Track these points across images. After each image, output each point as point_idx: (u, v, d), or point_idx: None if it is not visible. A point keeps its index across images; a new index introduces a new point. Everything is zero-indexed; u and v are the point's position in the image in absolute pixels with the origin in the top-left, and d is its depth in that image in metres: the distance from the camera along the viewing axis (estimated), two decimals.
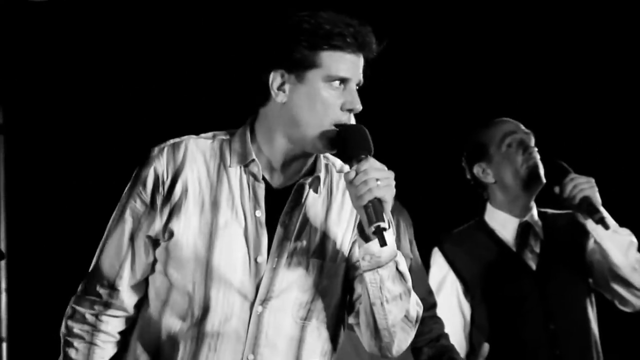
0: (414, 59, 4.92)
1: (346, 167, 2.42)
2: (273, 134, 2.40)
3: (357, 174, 2.29)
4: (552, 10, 4.85)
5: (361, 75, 2.40)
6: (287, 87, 2.37)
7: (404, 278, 2.41)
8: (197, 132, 2.50)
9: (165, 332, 2.41)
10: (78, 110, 4.73)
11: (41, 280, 4.66)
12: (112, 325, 2.48)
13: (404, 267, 2.41)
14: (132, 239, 2.43)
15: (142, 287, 2.48)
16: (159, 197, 2.39)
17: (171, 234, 2.38)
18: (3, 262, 4.62)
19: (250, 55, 2.42)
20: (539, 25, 4.86)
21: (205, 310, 2.37)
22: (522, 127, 3.66)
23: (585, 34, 4.84)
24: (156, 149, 2.44)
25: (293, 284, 2.41)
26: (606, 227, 3.41)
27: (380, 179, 2.28)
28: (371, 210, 2.27)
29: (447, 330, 3.35)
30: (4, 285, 4.65)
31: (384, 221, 2.27)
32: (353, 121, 2.39)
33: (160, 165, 2.40)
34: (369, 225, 2.28)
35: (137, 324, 2.48)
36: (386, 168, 2.31)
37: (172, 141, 2.45)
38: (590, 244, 3.58)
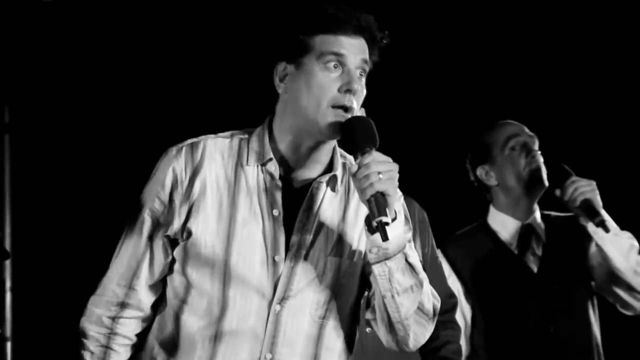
0: (418, 60, 4.91)
1: None
2: (284, 129, 2.40)
3: (359, 167, 2.28)
4: (558, 13, 4.84)
5: (362, 59, 2.36)
6: (288, 77, 2.38)
7: (415, 270, 2.39)
8: (203, 132, 2.50)
9: (183, 331, 2.41)
10: (84, 110, 4.73)
11: (46, 279, 4.66)
12: (129, 327, 2.48)
13: (414, 259, 2.39)
14: (150, 238, 2.44)
15: (159, 286, 2.48)
16: (178, 197, 2.39)
17: (189, 234, 2.38)
18: (8, 262, 4.62)
19: (257, 52, 2.44)
20: (545, 28, 4.86)
21: (224, 309, 2.36)
22: (526, 129, 3.66)
23: (588, 37, 4.83)
24: (174, 149, 2.44)
25: (311, 283, 2.40)
26: (606, 230, 3.41)
27: (382, 173, 2.26)
28: (373, 205, 2.25)
29: None
30: (9, 285, 4.66)
31: (386, 215, 2.24)
32: (355, 104, 2.35)
33: (178, 165, 2.41)
34: (372, 219, 2.26)
35: (154, 323, 2.48)
36: (391, 160, 2.29)
37: (190, 141, 2.45)
38: (592, 247, 3.57)
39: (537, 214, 3.68)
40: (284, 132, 2.40)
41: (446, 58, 4.89)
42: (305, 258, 2.39)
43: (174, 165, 2.41)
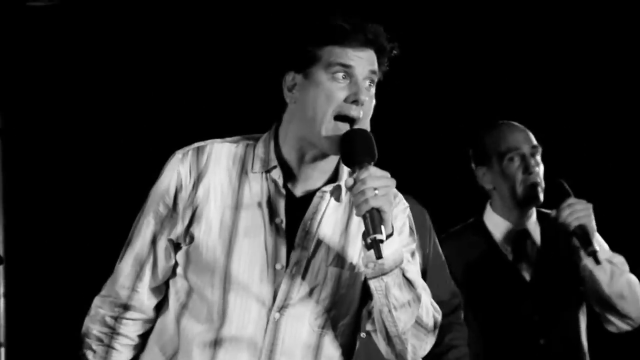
0: (416, 57, 4.90)
1: None
2: (290, 138, 2.40)
3: (355, 182, 2.27)
4: (567, 15, 4.83)
5: (371, 70, 2.37)
6: (296, 87, 2.38)
7: (413, 285, 2.39)
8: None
9: (183, 335, 2.41)
10: (76, 115, 4.72)
11: (39, 285, 4.65)
12: (131, 328, 2.49)
13: (412, 274, 2.39)
14: (154, 241, 2.44)
15: (162, 290, 2.48)
16: (182, 201, 2.40)
17: (192, 238, 2.39)
18: (1, 267, 4.61)
19: (267, 61, 2.47)
20: (546, 25, 4.84)
21: (223, 315, 2.37)
22: (530, 137, 3.59)
23: (592, 36, 4.82)
24: (180, 153, 2.45)
25: (311, 293, 2.40)
26: (597, 262, 3.37)
27: (378, 188, 2.25)
28: (368, 221, 2.24)
29: None
30: (2, 290, 4.65)
31: (380, 233, 2.23)
32: (362, 115, 2.34)
33: (184, 168, 2.41)
34: (366, 236, 2.26)
35: (156, 326, 2.49)
36: (388, 175, 2.29)
37: (196, 145, 2.46)
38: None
39: (534, 217, 3.64)
40: (290, 140, 2.40)
41: (444, 54, 4.87)
42: (306, 268, 2.39)
43: (179, 169, 2.42)
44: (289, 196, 2.40)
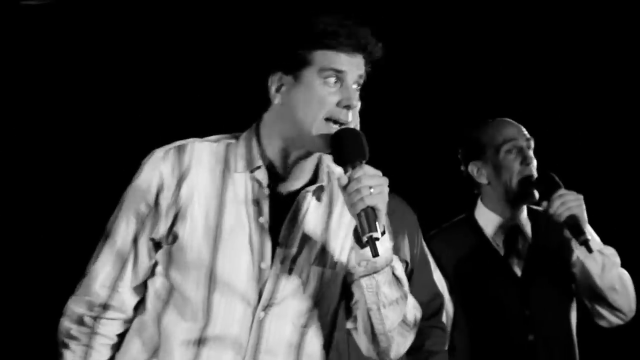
0: (407, 56, 4.89)
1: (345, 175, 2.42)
2: (275, 138, 2.42)
3: (350, 181, 2.30)
4: (557, 14, 4.82)
5: (359, 75, 2.41)
6: (284, 88, 2.40)
7: (401, 282, 2.44)
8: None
9: (164, 334, 2.41)
10: (68, 113, 4.70)
11: (13, 286, 4.63)
12: (111, 328, 2.48)
13: (400, 272, 2.44)
14: (135, 240, 2.44)
15: (142, 289, 2.47)
16: (164, 200, 2.40)
17: (175, 238, 2.39)
18: None
19: (250, 60, 2.49)
20: (536, 24, 4.85)
21: (208, 314, 2.38)
22: (524, 131, 3.61)
23: (582, 35, 4.83)
24: (161, 151, 2.44)
25: (295, 291, 2.42)
26: (589, 250, 3.35)
27: (373, 187, 2.28)
28: (364, 219, 2.26)
29: None
30: None
31: (376, 231, 2.26)
32: (352, 119, 2.38)
33: (166, 168, 2.41)
34: (362, 234, 2.28)
35: (134, 325, 2.47)
36: (381, 174, 2.32)
37: (177, 143, 2.46)
38: (575, 254, 3.52)
39: (524, 213, 3.64)
40: (274, 140, 2.42)
41: (434, 54, 4.87)
42: (291, 266, 2.41)
43: (161, 168, 2.41)
44: (273, 196, 2.42)
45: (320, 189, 2.46)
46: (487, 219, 3.61)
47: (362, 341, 2.49)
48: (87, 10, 4.66)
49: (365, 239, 2.26)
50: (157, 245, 2.43)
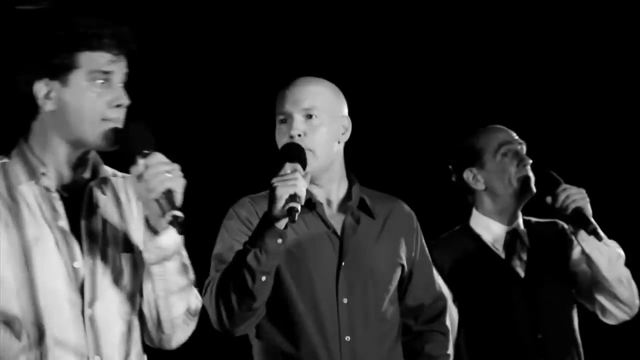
0: (405, 64, 4.90)
1: (116, 171, 2.58)
2: (53, 143, 2.47)
3: (146, 168, 2.37)
4: (546, 16, 4.83)
5: (125, 73, 2.49)
6: (53, 94, 2.44)
7: (188, 270, 2.53)
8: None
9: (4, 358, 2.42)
10: None
11: None
12: None
13: (187, 260, 2.53)
14: None
15: None
16: None
17: None
18: None
19: (11, 71, 2.48)
20: (527, 30, 4.85)
21: (40, 326, 2.40)
22: (516, 136, 3.65)
23: (570, 40, 4.83)
24: None
25: (113, 282, 2.48)
26: (599, 238, 3.38)
27: (169, 171, 2.37)
28: (165, 201, 2.35)
29: None
30: None
31: (178, 209, 2.34)
32: (123, 116, 2.47)
33: None
34: (163, 215, 2.36)
35: None
36: (171, 162, 2.40)
37: None
38: (575, 253, 3.58)
39: (521, 220, 3.67)
40: (52, 146, 2.47)
41: (432, 64, 4.88)
42: (102, 259, 2.48)
43: None
44: (64, 198, 2.48)
45: (104, 180, 2.54)
46: (484, 226, 3.64)
47: (147, 328, 2.54)
48: (82, 16, 4.64)
49: (169, 218, 2.34)
50: None
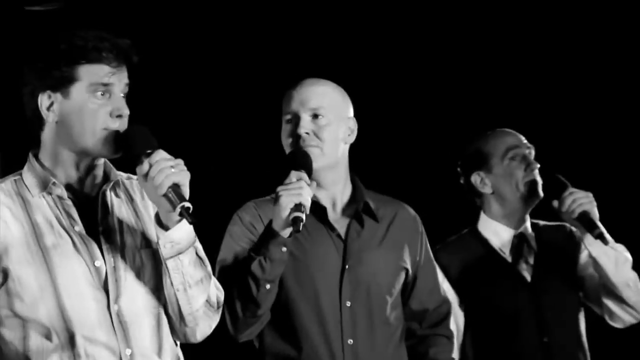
0: (412, 68, 4.90)
1: (130, 174, 2.63)
2: (60, 154, 2.53)
3: (151, 165, 2.43)
4: (552, 19, 4.83)
5: (125, 84, 2.55)
6: (56, 106, 2.50)
7: (204, 263, 2.58)
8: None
9: None
10: None
11: None
12: None
13: (202, 253, 2.58)
14: None
15: None
16: None
17: (5, 273, 2.45)
18: None
19: (19, 84, 2.54)
20: (533, 32, 4.85)
21: (69, 327, 2.45)
22: (524, 140, 3.65)
23: (580, 42, 4.83)
24: None
25: (136, 277, 2.54)
26: (605, 242, 3.39)
27: (174, 166, 2.43)
28: (173, 195, 2.41)
29: None
30: None
31: (187, 201, 2.40)
32: (124, 126, 2.52)
33: None
34: (173, 208, 2.41)
35: None
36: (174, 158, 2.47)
37: None
38: (583, 257, 3.59)
39: (528, 223, 3.67)
40: (59, 156, 2.53)
41: (440, 65, 4.87)
42: (122, 257, 2.53)
43: None
44: (77, 204, 2.54)
45: (117, 184, 2.60)
46: (492, 230, 3.64)
47: (172, 322, 2.58)
48: (91, 16, 4.66)
49: (179, 210, 2.40)
50: None
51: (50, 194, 2.52)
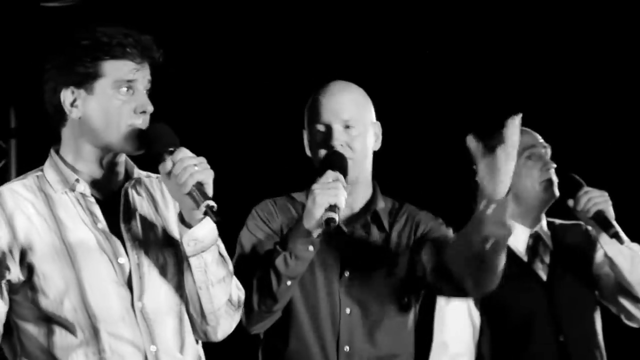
0: (422, 66, 4.90)
1: (150, 173, 2.65)
2: (83, 150, 2.53)
3: (174, 163, 2.43)
4: (575, 19, 4.82)
5: (148, 80, 2.55)
6: (79, 102, 2.50)
7: (226, 261, 2.58)
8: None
9: (58, 357, 2.46)
10: None
11: None
12: None
13: (224, 251, 2.58)
14: None
15: None
16: (3, 245, 2.44)
17: (30, 268, 2.44)
18: None
19: (41, 80, 2.53)
20: (551, 28, 4.84)
21: (94, 322, 2.46)
22: (541, 139, 3.65)
23: (598, 38, 4.82)
24: None
25: (159, 275, 2.54)
26: (621, 241, 3.39)
27: (197, 164, 2.43)
28: (197, 193, 2.41)
29: (457, 337, 3.44)
30: None
31: (211, 199, 2.40)
32: (147, 123, 2.53)
33: None
34: (197, 207, 2.42)
35: None
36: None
37: None
38: (599, 256, 3.58)
39: (544, 222, 3.68)
40: (82, 152, 2.53)
41: (450, 65, 4.88)
42: (146, 254, 2.53)
43: None
44: (99, 201, 2.54)
45: (138, 182, 2.61)
46: None
47: (191, 321, 2.59)
48: (108, 12, 4.67)
49: (203, 208, 2.40)
50: (11, 287, 2.46)
51: (72, 190, 2.51)
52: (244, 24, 4.84)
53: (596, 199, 3.43)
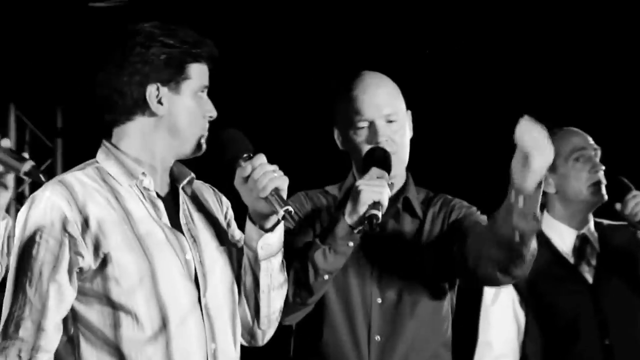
0: (453, 65, 4.89)
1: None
2: (152, 145, 2.53)
3: (253, 169, 2.47)
4: (614, 24, 4.79)
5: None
6: (165, 100, 2.51)
7: (284, 267, 2.63)
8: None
9: (126, 351, 2.44)
10: None
11: None
12: None
13: (282, 257, 2.62)
14: (53, 276, 2.42)
15: (61, 325, 2.46)
16: (76, 232, 2.43)
17: (105, 258, 2.43)
18: None
19: (125, 75, 2.50)
20: (609, 35, 4.81)
21: (163, 315, 2.46)
22: (591, 141, 3.63)
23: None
24: (47, 191, 2.45)
25: (217, 272, 2.57)
26: None
27: (275, 170, 2.48)
28: (276, 198, 2.46)
29: (501, 338, 3.43)
30: None
31: (290, 205, 2.45)
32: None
33: (61, 202, 2.43)
34: (276, 211, 2.46)
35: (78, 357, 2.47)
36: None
37: (56, 179, 2.50)
38: None
39: (592, 223, 3.66)
40: (151, 149, 2.53)
41: (481, 64, 4.86)
42: (206, 252, 2.56)
43: (59, 204, 2.43)
44: (162, 197, 2.56)
45: (190, 183, 2.62)
46: (555, 230, 3.62)
47: (243, 322, 2.62)
48: (156, 12, 4.69)
49: (282, 213, 2.44)
50: (81, 274, 2.44)
51: (137, 184, 2.51)
52: (266, 25, 4.85)
53: None
